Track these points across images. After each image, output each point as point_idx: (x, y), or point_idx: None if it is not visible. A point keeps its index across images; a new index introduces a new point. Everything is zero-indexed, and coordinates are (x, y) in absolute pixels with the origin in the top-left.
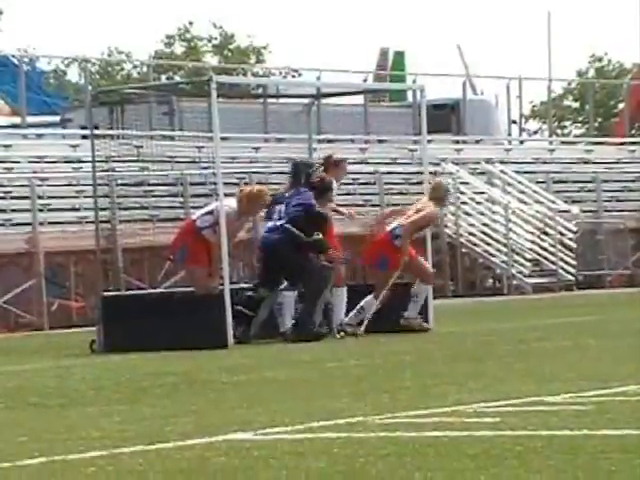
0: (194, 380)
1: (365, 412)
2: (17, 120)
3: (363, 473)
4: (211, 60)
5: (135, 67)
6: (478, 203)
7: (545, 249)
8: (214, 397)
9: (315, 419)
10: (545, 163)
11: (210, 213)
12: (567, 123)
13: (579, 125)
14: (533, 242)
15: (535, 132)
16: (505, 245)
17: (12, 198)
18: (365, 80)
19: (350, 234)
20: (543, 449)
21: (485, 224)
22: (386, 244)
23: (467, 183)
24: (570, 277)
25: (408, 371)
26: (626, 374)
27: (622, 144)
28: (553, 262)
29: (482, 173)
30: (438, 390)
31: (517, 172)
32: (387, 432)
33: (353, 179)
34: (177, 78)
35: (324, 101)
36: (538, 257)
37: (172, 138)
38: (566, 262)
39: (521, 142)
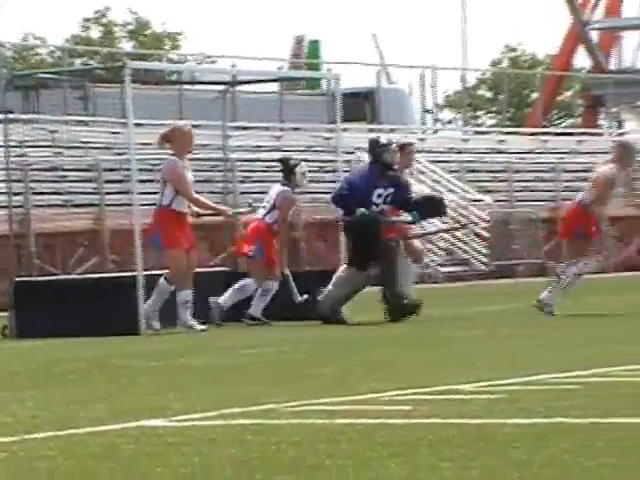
0: (107, 366)
1: (279, 399)
2: None
3: (275, 460)
4: (126, 46)
5: (51, 52)
6: None
7: (458, 238)
8: (127, 383)
9: (229, 406)
10: (458, 152)
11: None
12: (481, 113)
13: (492, 115)
14: (445, 231)
15: (449, 121)
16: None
17: None
18: (280, 68)
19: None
20: (454, 437)
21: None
22: (579, 215)
23: None
24: (482, 266)
25: (322, 359)
26: (537, 363)
27: (535, 134)
28: (465, 251)
29: None
30: (351, 378)
31: (431, 161)
32: (300, 419)
33: (267, 167)
34: (92, 63)
35: (239, 88)
36: (451, 246)
37: (86, 124)
38: (478, 251)
39: (435, 131)
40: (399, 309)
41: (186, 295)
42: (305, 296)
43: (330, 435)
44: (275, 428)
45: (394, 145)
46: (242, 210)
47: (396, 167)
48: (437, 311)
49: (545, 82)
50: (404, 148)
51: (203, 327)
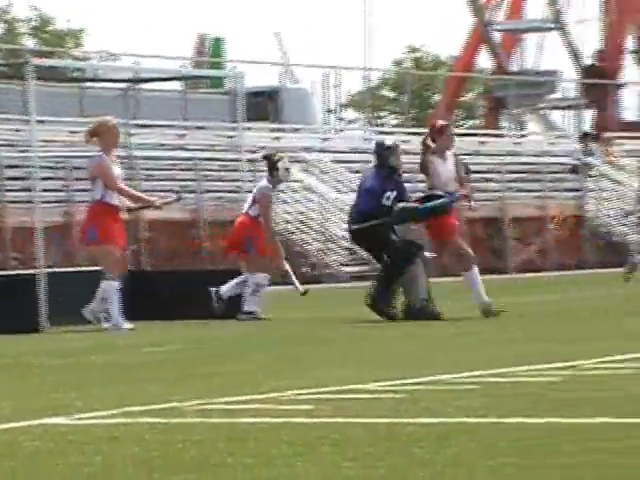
0: (9, 364)
1: (181, 398)
2: None
3: (177, 459)
4: (29, 42)
5: None
6: (294, 191)
7: None
8: (30, 381)
9: (132, 404)
10: (361, 152)
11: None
12: (384, 113)
13: (395, 115)
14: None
15: (352, 121)
16: (322, 233)
17: None
18: (183, 66)
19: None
20: (359, 437)
21: (301, 212)
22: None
23: None
24: None
25: (226, 357)
26: (439, 363)
27: None
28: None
29: (299, 161)
30: (255, 377)
31: (334, 161)
32: (202, 418)
33: (171, 165)
34: None
35: (142, 86)
36: (353, 246)
37: None
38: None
39: (338, 131)
40: (418, 311)
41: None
42: (304, 287)
43: (234, 434)
44: (178, 427)
45: (400, 148)
46: (169, 200)
47: (401, 171)
48: (338, 312)
49: (448, 83)
50: (444, 129)
51: (131, 326)
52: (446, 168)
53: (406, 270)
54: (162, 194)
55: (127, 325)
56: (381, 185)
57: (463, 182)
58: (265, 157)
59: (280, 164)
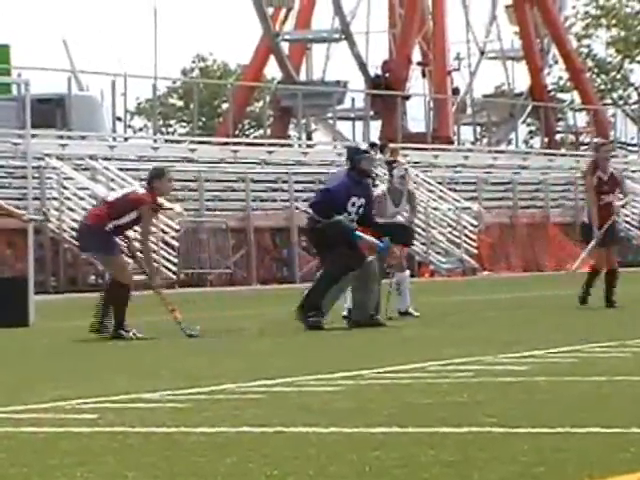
0: None
1: None
2: None
3: None
4: None
5: None
6: (81, 199)
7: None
8: None
9: None
10: (149, 160)
11: None
12: (172, 121)
13: (184, 124)
14: (135, 239)
15: (140, 129)
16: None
17: None
18: None
19: None
20: (140, 445)
21: None
22: None
23: (71, 179)
24: (172, 275)
25: (5, 366)
26: (221, 373)
27: (225, 144)
28: (155, 260)
29: (86, 169)
30: (36, 386)
31: (121, 169)
32: None
33: None
34: None
35: None
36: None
37: None
38: (168, 260)
39: (126, 139)
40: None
41: None
42: None
43: (14, 444)
44: None
45: (372, 152)
46: (36, 217)
47: (373, 175)
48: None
49: (236, 92)
50: (602, 147)
51: None
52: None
53: (339, 279)
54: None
55: None
56: (348, 189)
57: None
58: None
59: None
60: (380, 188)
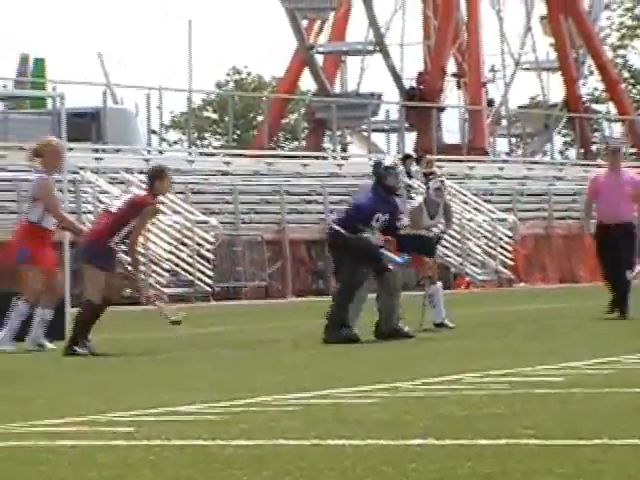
0: None
1: None
2: None
3: None
4: None
5: None
6: None
7: (182, 259)
8: None
9: None
10: (184, 174)
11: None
12: (207, 134)
13: (218, 137)
14: (171, 252)
15: (175, 142)
16: (143, 255)
17: None
18: (5, 86)
19: None
20: (176, 458)
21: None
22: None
23: (107, 192)
24: (207, 288)
25: (43, 379)
26: (258, 385)
27: (260, 156)
28: (190, 273)
29: (121, 182)
30: (73, 399)
31: None
32: (21, 441)
33: None
34: None
35: None
36: (176, 267)
37: None
38: (203, 273)
39: (160, 152)
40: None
41: (47, 314)
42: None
43: (52, 457)
44: None
45: (400, 168)
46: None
47: (399, 192)
48: (160, 333)
49: (271, 105)
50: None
51: (52, 345)
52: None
53: (354, 293)
54: None
55: (8, 347)
56: (373, 205)
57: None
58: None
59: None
60: (417, 200)
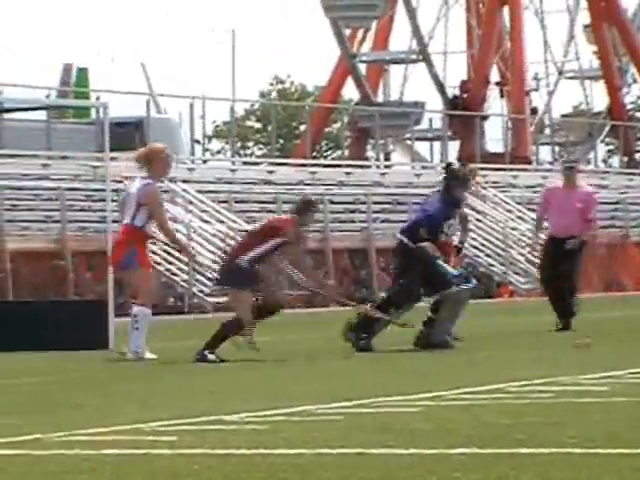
0: None
1: (43, 429)
2: None
3: None
4: None
5: None
6: None
7: None
8: None
9: None
10: (227, 183)
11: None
12: (250, 144)
13: (261, 146)
14: (215, 262)
15: (218, 152)
16: (186, 264)
17: None
18: (48, 96)
19: None
20: (219, 467)
21: (168, 243)
22: None
23: None
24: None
25: (86, 389)
26: (300, 394)
27: (303, 165)
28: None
29: (165, 192)
30: (117, 408)
31: (199, 191)
32: (64, 450)
33: (35, 195)
34: None
35: (6, 116)
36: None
37: None
38: None
39: (204, 161)
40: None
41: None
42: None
43: (95, 465)
44: (40, 458)
45: (471, 182)
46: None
47: (464, 203)
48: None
49: (313, 114)
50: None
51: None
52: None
53: (405, 304)
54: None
55: (149, 355)
56: (444, 212)
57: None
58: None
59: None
60: None
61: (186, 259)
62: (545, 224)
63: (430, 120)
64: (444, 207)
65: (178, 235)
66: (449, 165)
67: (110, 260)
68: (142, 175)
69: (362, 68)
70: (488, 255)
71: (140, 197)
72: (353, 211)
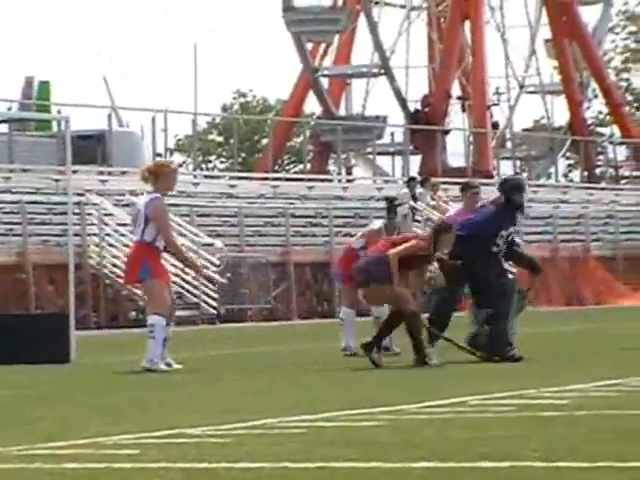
0: None
1: (3, 443)
2: None
3: None
4: None
5: None
6: (122, 235)
7: (188, 282)
8: None
9: None
10: (189, 196)
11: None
12: (212, 157)
13: (223, 159)
14: (176, 275)
15: (180, 165)
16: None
17: None
18: (10, 109)
19: None
20: None
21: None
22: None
23: (111, 214)
24: (212, 310)
25: (48, 402)
26: (263, 408)
27: (265, 179)
28: (196, 295)
29: (127, 205)
30: (78, 421)
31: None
32: (25, 464)
33: None
34: None
35: None
36: (181, 290)
37: None
38: (208, 295)
39: None
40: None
41: (167, 331)
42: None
43: (57, 479)
44: (0, 472)
45: (526, 188)
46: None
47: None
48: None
49: (275, 128)
50: None
51: (177, 365)
52: None
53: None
54: None
55: (163, 367)
56: (499, 224)
57: None
58: (386, 199)
59: (399, 209)
60: (377, 223)
61: (193, 273)
62: None
63: (392, 134)
64: (499, 216)
65: (183, 249)
66: (505, 178)
67: (127, 280)
68: (148, 190)
69: (324, 82)
70: None
71: (147, 212)
72: (315, 225)
